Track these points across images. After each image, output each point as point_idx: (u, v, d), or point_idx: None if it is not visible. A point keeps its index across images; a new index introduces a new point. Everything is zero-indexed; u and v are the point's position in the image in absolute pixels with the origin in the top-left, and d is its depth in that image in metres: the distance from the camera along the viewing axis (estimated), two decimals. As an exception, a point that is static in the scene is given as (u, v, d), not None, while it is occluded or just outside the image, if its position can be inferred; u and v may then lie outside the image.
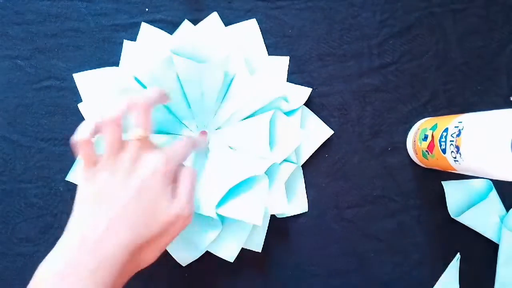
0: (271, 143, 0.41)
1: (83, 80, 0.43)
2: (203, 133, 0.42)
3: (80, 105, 0.43)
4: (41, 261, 0.43)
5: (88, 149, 0.34)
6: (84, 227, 0.33)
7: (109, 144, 0.34)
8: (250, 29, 0.44)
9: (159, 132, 0.42)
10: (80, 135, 0.34)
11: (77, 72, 0.43)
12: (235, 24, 0.44)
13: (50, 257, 0.32)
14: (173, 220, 0.34)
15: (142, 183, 0.33)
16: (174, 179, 0.35)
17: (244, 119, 0.42)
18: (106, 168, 0.34)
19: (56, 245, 0.33)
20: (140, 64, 0.40)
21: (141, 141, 0.35)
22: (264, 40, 0.44)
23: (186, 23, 0.44)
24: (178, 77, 0.40)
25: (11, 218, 0.43)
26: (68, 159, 0.43)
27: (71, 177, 0.43)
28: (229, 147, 0.42)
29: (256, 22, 0.44)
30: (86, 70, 0.43)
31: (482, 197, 0.45)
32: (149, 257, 0.34)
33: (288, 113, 0.43)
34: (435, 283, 0.45)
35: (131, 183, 0.34)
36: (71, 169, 0.43)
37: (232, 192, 0.39)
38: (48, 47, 0.44)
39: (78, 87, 0.42)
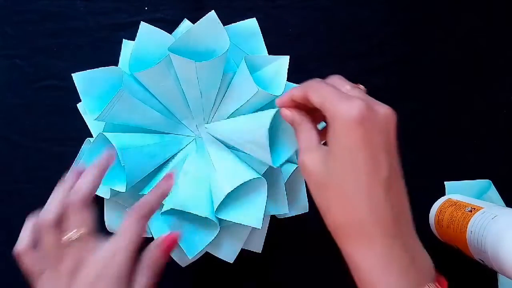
0: (271, 143, 0.40)
1: (82, 79, 0.42)
2: (169, 175, 0.35)
3: (79, 105, 0.43)
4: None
5: (30, 259, 0.32)
6: None
7: (47, 252, 0.31)
8: (250, 28, 0.44)
9: (158, 132, 0.41)
10: (19, 245, 0.32)
11: (76, 71, 0.43)
12: (235, 23, 0.44)
13: None
14: None
15: None
16: (132, 272, 0.31)
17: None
18: (49, 278, 0.31)
19: None
20: (138, 64, 0.40)
21: (82, 241, 0.31)
22: (264, 39, 0.44)
23: (186, 22, 0.43)
24: (177, 77, 0.40)
25: (10, 218, 0.43)
26: (67, 159, 0.43)
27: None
28: (228, 146, 0.42)
29: (256, 21, 0.44)
30: (85, 69, 0.43)
31: (483, 196, 0.45)
32: None
33: (288, 113, 0.42)
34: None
35: None
36: (70, 169, 0.42)
37: (231, 195, 0.39)
38: (47, 46, 0.44)
39: (77, 87, 0.42)
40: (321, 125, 0.33)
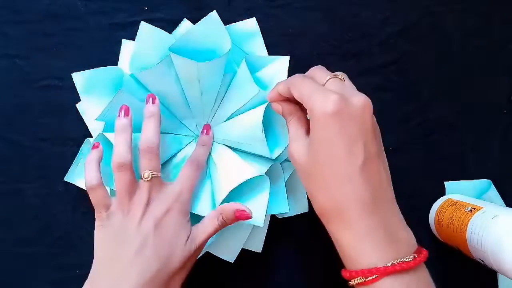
0: (270, 135, 0.40)
1: (82, 79, 0.42)
2: (207, 127, 0.42)
3: (78, 105, 0.43)
4: (39, 262, 0.43)
5: (100, 194, 0.35)
6: (106, 270, 0.34)
7: (121, 188, 0.35)
8: (250, 28, 0.44)
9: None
10: (90, 181, 0.35)
11: (76, 71, 0.43)
12: (235, 23, 0.43)
13: None
14: (192, 254, 0.36)
15: (156, 223, 0.35)
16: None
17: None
18: (120, 211, 0.35)
19: (85, 284, 0.34)
20: (138, 64, 0.40)
21: (151, 182, 0.36)
22: (264, 39, 0.44)
23: (186, 22, 0.43)
24: (177, 77, 0.40)
25: (9, 218, 0.43)
26: (67, 159, 0.43)
27: (69, 177, 0.42)
28: (229, 147, 0.42)
29: (256, 21, 0.44)
30: (85, 69, 0.43)
31: (483, 196, 0.45)
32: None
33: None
34: (437, 285, 0.44)
35: (146, 224, 0.35)
36: (70, 169, 0.42)
37: (233, 194, 0.39)
38: (46, 46, 0.44)
39: (76, 87, 0.42)
40: None
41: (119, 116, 0.37)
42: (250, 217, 0.37)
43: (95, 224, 0.36)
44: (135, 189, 0.36)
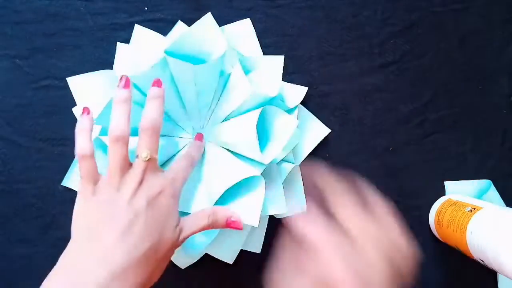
0: (269, 142, 0.40)
1: (77, 83, 0.42)
2: (199, 136, 0.41)
3: (74, 109, 0.43)
4: (39, 262, 0.43)
5: (91, 165, 0.34)
6: (86, 247, 0.31)
7: (115, 162, 0.33)
8: (244, 28, 0.44)
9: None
10: (81, 150, 0.33)
11: (76, 71, 0.43)
12: (229, 24, 0.43)
13: (56, 272, 0.31)
14: (177, 244, 0.35)
15: (149, 201, 0.33)
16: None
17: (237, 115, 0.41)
18: (110, 185, 0.33)
19: (61, 259, 0.31)
20: (134, 66, 0.40)
21: (148, 163, 0.34)
22: (264, 39, 0.44)
23: (180, 24, 0.43)
24: (173, 79, 0.40)
25: (9, 218, 0.43)
26: (67, 159, 0.43)
27: (66, 181, 0.42)
28: (224, 147, 0.42)
29: (250, 21, 0.44)
30: (85, 69, 0.43)
31: (483, 196, 0.45)
32: (156, 276, 0.34)
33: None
34: (437, 285, 0.44)
35: (137, 202, 0.33)
36: (67, 174, 0.42)
37: (229, 193, 0.39)
38: (46, 46, 0.44)
39: (72, 91, 0.42)
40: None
41: (118, 86, 0.35)
42: (240, 228, 0.37)
43: (77, 197, 0.34)
44: (128, 167, 0.34)
